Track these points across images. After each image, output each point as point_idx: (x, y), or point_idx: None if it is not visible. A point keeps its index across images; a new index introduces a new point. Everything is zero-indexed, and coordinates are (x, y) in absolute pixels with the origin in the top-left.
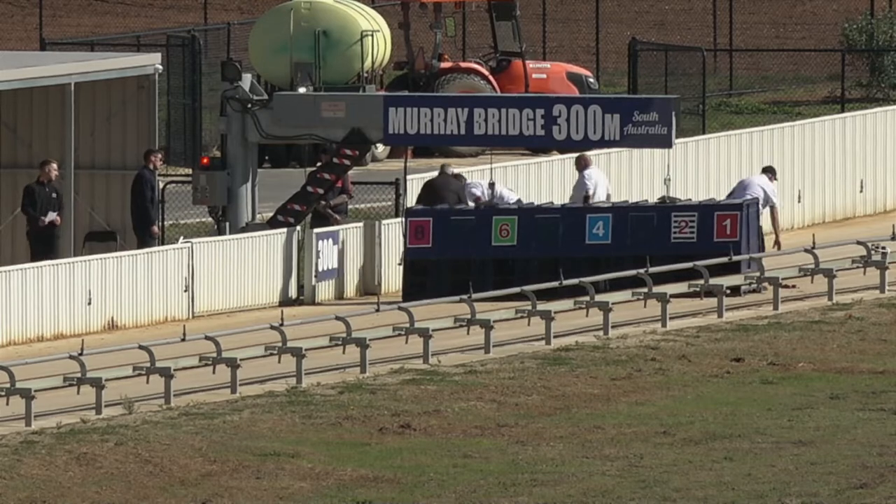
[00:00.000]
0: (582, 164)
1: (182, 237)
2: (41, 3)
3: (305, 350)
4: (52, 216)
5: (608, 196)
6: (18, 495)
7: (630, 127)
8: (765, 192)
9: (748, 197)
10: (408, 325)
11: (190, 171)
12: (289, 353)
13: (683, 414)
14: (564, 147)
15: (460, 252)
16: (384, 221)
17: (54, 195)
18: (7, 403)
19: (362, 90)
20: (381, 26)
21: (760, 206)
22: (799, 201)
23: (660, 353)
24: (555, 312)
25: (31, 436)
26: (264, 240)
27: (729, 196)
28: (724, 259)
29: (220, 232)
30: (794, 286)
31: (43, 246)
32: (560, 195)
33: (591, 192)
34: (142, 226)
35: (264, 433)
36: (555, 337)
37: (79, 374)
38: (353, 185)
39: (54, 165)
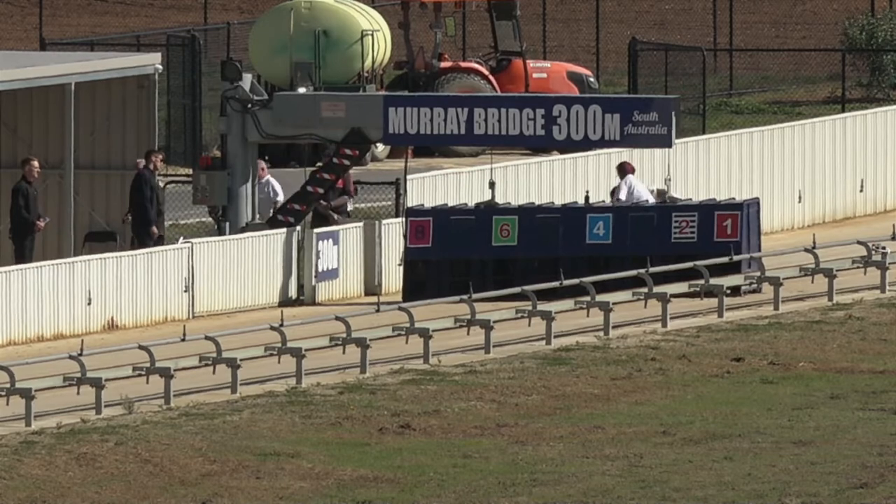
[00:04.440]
0: (260, 174)
1: (182, 237)
2: (41, 3)
3: (305, 350)
4: (45, 220)
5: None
6: (18, 495)
7: (630, 127)
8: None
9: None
10: (408, 325)
11: (190, 171)
12: (289, 354)
13: (683, 414)
14: (564, 147)
15: (460, 252)
16: (384, 221)
17: (34, 192)
18: (7, 403)
19: (362, 90)
20: (381, 26)
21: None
22: (799, 201)
23: (660, 353)
24: (555, 312)
25: (31, 436)
26: (264, 240)
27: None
28: (725, 259)
29: (220, 232)
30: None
31: (30, 246)
32: (560, 195)
33: (276, 198)
34: (141, 226)
35: (264, 433)
36: (555, 337)
37: (79, 374)
38: (354, 184)
39: (35, 163)
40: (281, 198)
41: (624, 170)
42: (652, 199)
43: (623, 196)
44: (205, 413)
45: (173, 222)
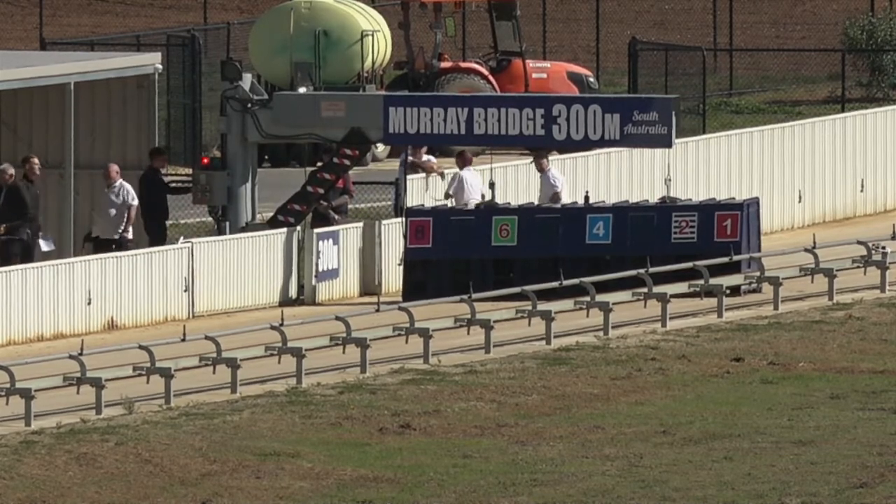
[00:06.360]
0: (111, 178)
1: (182, 237)
2: (41, 2)
3: (305, 350)
4: (45, 246)
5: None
6: (18, 495)
7: (630, 126)
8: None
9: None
10: (408, 325)
11: (190, 171)
12: (289, 353)
13: (683, 414)
14: (564, 147)
15: (460, 252)
16: (384, 221)
17: (36, 192)
18: (7, 403)
19: (362, 90)
20: (381, 26)
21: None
22: (799, 201)
23: (660, 353)
24: (555, 312)
25: (31, 436)
26: (264, 240)
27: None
28: (725, 259)
29: (220, 232)
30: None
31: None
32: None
33: (132, 202)
34: (151, 223)
35: (264, 433)
36: (555, 337)
37: (79, 374)
38: (353, 184)
39: (36, 161)
40: (135, 202)
41: (463, 160)
42: (477, 198)
43: (453, 191)
44: (205, 413)
45: (173, 222)
